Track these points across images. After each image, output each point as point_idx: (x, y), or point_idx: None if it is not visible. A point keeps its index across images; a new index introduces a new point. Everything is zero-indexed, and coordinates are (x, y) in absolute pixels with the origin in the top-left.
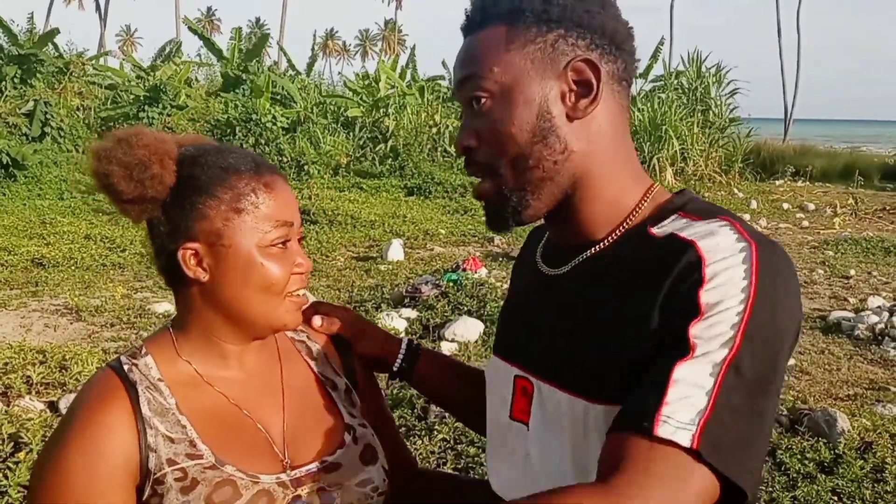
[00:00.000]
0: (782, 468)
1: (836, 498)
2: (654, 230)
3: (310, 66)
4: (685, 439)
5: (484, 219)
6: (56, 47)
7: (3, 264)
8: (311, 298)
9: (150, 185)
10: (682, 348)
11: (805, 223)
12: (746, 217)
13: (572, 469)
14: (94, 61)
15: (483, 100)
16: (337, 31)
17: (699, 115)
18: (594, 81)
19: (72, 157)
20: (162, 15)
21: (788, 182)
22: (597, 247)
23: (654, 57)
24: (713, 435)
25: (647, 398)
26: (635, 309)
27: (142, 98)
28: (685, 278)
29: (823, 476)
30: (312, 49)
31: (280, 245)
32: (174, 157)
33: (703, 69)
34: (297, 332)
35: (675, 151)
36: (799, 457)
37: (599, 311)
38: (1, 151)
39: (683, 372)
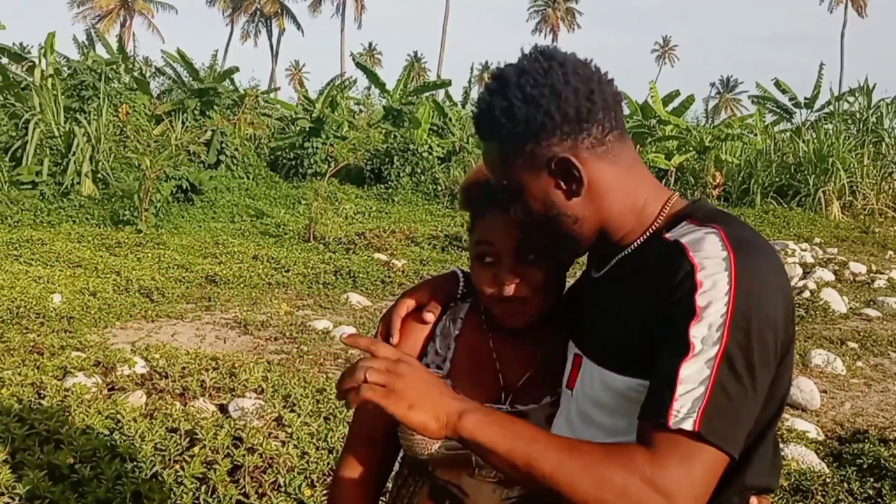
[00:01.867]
0: None
1: None
2: (668, 235)
3: (465, 97)
4: (689, 425)
5: None
6: (233, 81)
7: (181, 280)
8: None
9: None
10: (684, 346)
11: None
12: None
13: (598, 424)
14: (265, 94)
15: (513, 205)
16: (492, 64)
17: (870, 146)
18: (573, 170)
19: (243, 183)
20: (327, 50)
21: None
22: (626, 251)
23: (818, 85)
24: (710, 416)
25: (663, 393)
26: (648, 302)
27: (307, 129)
28: (683, 284)
29: None
30: (469, 82)
31: (482, 260)
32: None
33: (876, 98)
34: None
35: (843, 184)
36: None
37: (625, 304)
38: (182, 177)
39: (687, 370)
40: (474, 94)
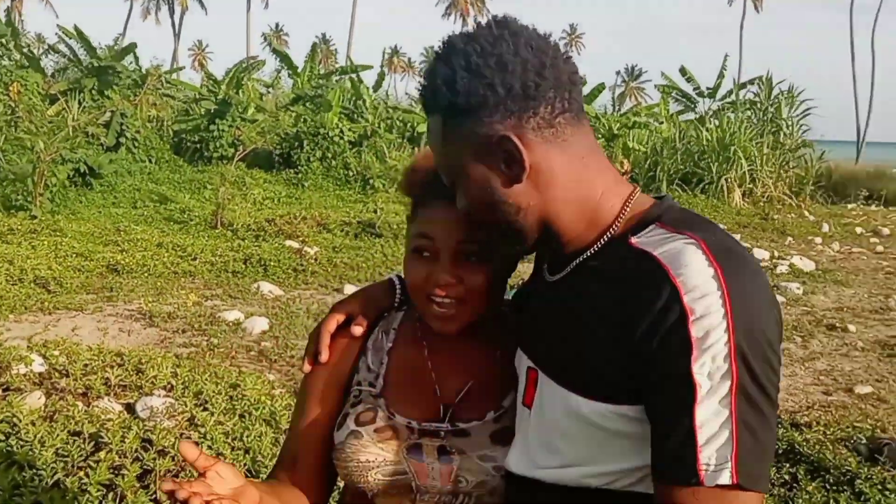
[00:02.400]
0: (862, 498)
1: None
2: (635, 240)
3: (378, 82)
4: (726, 478)
5: None
6: (136, 59)
7: (80, 269)
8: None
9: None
10: (689, 388)
11: (880, 248)
12: (818, 241)
13: (560, 451)
14: (168, 75)
15: (450, 182)
16: (402, 48)
17: (770, 136)
18: (515, 151)
19: (145, 167)
20: (232, 30)
21: (861, 206)
22: (585, 254)
23: (721, 75)
24: (744, 463)
25: (682, 448)
26: (621, 324)
27: (211, 111)
28: (668, 311)
29: None
30: (381, 66)
31: (419, 253)
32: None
33: (775, 90)
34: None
35: (744, 172)
36: (879, 487)
37: (590, 320)
38: (80, 161)
39: (702, 415)
40: (388, 81)
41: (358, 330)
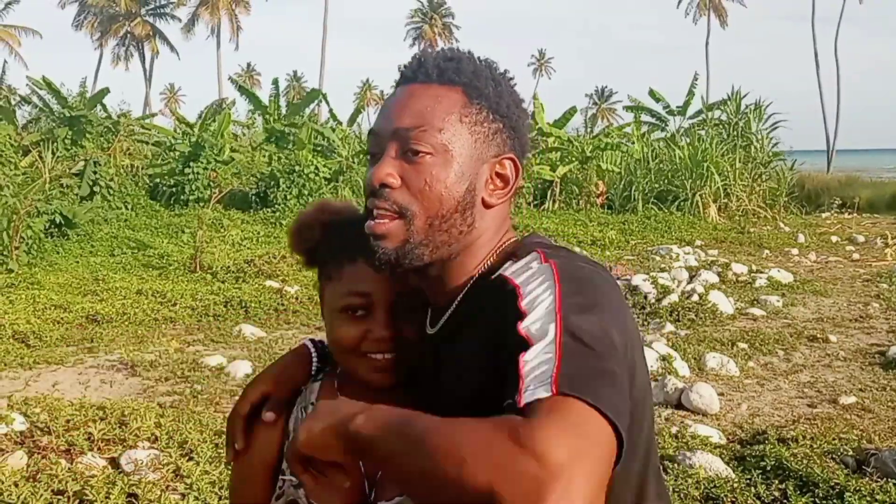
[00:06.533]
0: None
1: None
2: (492, 277)
3: (353, 116)
4: (544, 392)
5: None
6: (104, 108)
7: (59, 321)
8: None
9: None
10: (521, 345)
11: (856, 255)
12: (794, 252)
13: None
14: (141, 120)
15: (423, 154)
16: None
17: (741, 150)
18: (512, 179)
19: (121, 214)
20: (204, 73)
21: (835, 214)
22: (453, 306)
23: (691, 93)
24: (568, 377)
25: (511, 391)
26: (486, 344)
27: (186, 154)
28: (507, 302)
29: None
30: (357, 100)
31: (353, 313)
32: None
33: (743, 104)
34: None
35: (718, 188)
36: (868, 499)
37: (462, 362)
38: (55, 211)
39: (529, 356)
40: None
41: (270, 417)
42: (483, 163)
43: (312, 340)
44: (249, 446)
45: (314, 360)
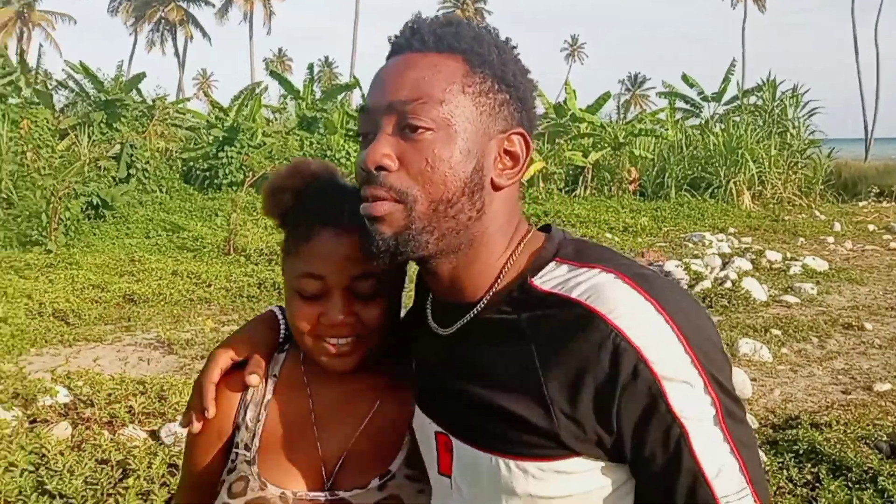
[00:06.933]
0: (885, 495)
1: None
2: (537, 282)
3: None
4: (750, 502)
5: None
6: (140, 92)
7: (97, 301)
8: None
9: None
10: (676, 426)
11: (893, 244)
12: (830, 241)
13: None
14: (175, 105)
15: (423, 130)
16: None
17: (776, 137)
18: (522, 157)
19: (156, 197)
20: (236, 58)
21: (872, 203)
22: (477, 307)
23: (727, 79)
24: (757, 483)
25: (695, 489)
26: (558, 380)
27: (220, 138)
28: (620, 357)
29: None
30: None
31: (306, 294)
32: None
33: (779, 91)
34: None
35: (753, 175)
36: None
37: (495, 371)
38: (92, 194)
39: (700, 447)
40: None
41: (255, 381)
42: (490, 139)
43: (281, 308)
44: (217, 417)
45: (282, 328)
